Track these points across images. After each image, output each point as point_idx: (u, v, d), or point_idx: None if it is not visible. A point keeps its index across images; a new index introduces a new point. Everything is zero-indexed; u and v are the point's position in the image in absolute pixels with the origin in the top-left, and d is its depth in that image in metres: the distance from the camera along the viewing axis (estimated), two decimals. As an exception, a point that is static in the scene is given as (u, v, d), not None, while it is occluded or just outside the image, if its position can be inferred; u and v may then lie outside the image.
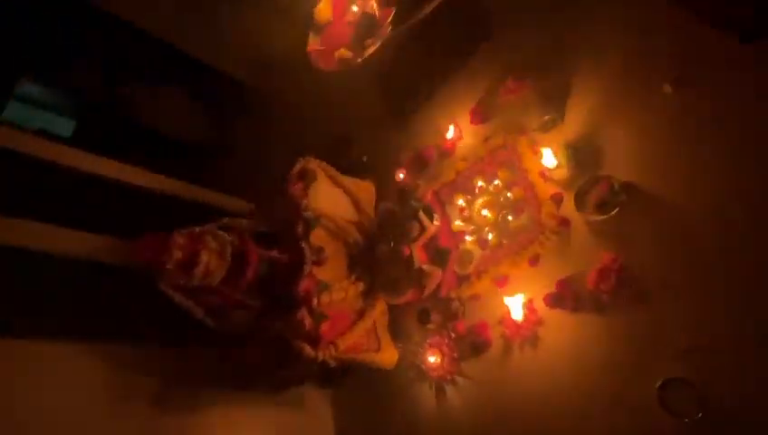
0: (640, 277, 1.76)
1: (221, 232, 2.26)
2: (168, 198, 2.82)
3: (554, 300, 1.98)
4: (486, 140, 2.47)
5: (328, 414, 2.76)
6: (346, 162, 2.95)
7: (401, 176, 2.82)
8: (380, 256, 2.48)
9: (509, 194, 2.28)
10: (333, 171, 2.75)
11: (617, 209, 1.83)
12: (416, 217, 2.41)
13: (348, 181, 2.82)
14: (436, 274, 2.32)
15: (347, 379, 2.68)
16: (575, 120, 2.08)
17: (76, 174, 2.54)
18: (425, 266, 2.31)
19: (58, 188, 2.49)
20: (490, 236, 2.29)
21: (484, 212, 2.37)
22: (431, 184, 2.65)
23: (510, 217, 2.25)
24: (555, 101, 2.15)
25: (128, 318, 2.32)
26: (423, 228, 2.38)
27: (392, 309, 2.54)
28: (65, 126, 4.06)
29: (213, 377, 2.36)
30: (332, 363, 2.20)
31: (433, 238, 2.40)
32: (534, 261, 2.11)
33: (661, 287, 1.72)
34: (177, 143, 3.88)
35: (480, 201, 2.42)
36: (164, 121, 3.83)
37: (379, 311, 2.47)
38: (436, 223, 2.41)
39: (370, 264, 2.53)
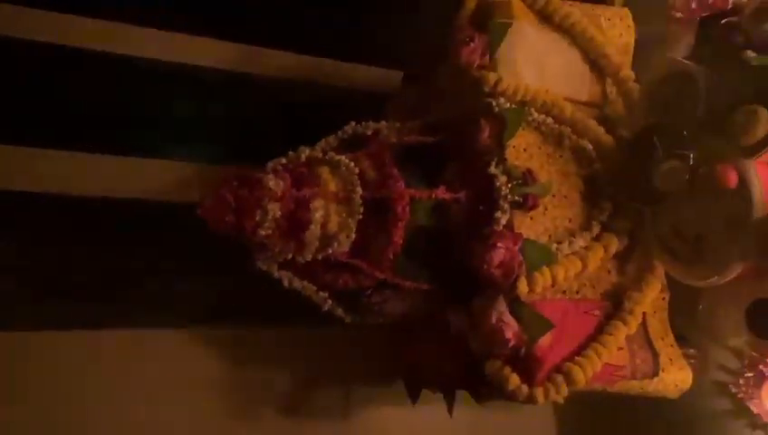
0: None
1: (343, 158, 1.22)
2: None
3: None
4: None
5: (550, 420, 1.81)
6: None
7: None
8: (662, 184, 1.16)
9: None
10: (544, -2, 1.29)
11: None
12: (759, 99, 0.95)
13: (575, 12, 1.35)
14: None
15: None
16: None
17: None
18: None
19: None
20: None
21: None
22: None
23: None
24: None
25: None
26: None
27: (676, 288, 1.26)
28: None
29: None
30: (561, 400, 1.17)
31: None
32: None
33: None
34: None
35: None
36: None
37: (651, 296, 1.23)
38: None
39: (635, 198, 1.23)
